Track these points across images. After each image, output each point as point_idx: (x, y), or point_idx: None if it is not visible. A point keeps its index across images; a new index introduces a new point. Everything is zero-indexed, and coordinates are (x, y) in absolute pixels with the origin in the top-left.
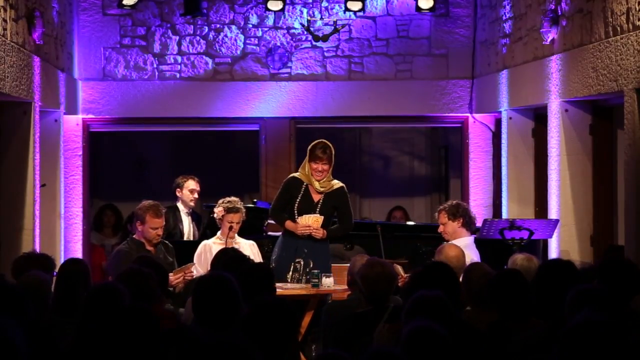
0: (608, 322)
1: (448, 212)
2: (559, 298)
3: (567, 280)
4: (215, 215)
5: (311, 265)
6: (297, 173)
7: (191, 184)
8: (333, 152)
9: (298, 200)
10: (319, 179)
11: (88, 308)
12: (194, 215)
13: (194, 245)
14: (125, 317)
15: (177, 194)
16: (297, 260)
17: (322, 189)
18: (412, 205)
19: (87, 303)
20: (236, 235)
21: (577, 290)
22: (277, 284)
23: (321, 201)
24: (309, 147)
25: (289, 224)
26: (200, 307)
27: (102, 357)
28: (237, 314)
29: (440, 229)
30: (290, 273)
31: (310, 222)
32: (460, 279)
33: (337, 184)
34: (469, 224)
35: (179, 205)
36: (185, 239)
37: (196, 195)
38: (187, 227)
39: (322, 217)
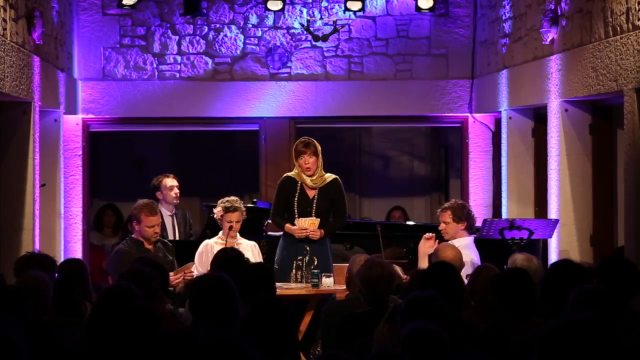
0: (589, 320)
1: (453, 213)
2: (566, 299)
3: (575, 281)
4: (215, 215)
5: (315, 263)
6: (291, 172)
7: (168, 182)
8: (318, 146)
9: (295, 199)
10: (310, 173)
11: (100, 308)
12: (177, 215)
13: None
14: (131, 318)
15: (158, 197)
16: (298, 258)
17: (314, 185)
18: (412, 205)
19: (100, 303)
20: (239, 235)
21: (579, 291)
22: (278, 284)
23: (316, 196)
24: (293, 148)
25: (287, 227)
26: (196, 308)
27: (105, 357)
28: (235, 314)
29: (442, 227)
30: (293, 271)
31: (307, 225)
32: (466, 279)
33: (330, 177)
34: (470, 227)
35: (162, 208)
36: None
37: (177, 191)
38: (171, 232)
39: (319, 219)
